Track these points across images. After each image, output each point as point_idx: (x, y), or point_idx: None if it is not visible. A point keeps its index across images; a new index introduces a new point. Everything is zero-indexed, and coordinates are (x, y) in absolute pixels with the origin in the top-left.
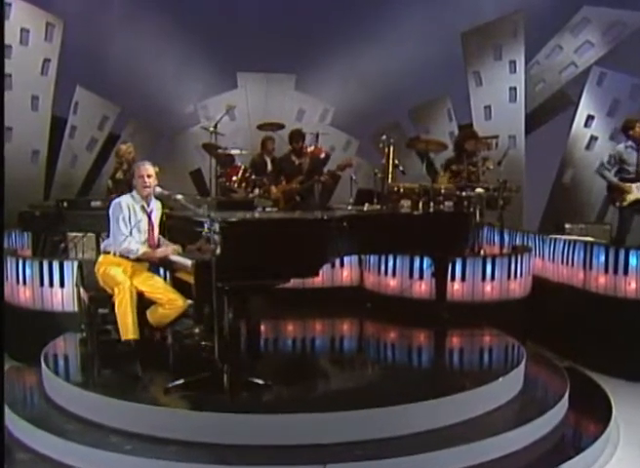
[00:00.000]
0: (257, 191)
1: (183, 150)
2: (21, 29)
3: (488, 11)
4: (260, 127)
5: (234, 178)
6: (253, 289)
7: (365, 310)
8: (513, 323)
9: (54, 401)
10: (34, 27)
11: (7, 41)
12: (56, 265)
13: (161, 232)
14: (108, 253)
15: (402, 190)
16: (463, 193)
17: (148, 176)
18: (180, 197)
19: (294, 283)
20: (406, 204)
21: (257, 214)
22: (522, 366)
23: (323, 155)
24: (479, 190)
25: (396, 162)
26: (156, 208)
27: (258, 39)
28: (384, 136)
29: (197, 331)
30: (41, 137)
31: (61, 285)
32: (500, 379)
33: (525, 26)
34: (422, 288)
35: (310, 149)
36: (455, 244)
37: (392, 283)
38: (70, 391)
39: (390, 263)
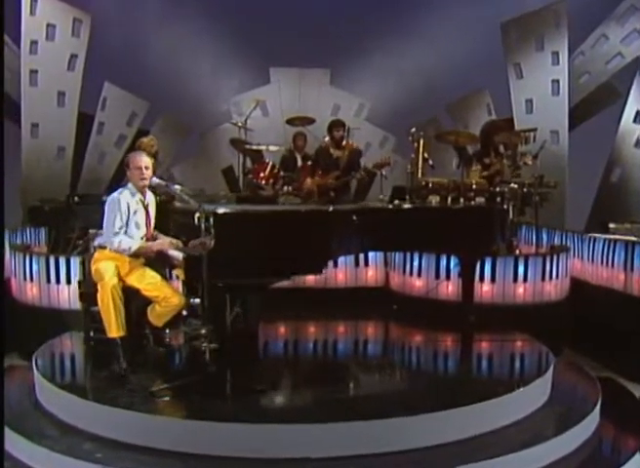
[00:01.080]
0: (285, 188)
1: (215, 147)
2: (47, 25)
3: (529, 0)
4: (290, 121)
5: (261, 175)
6: (248, 286)
7: (389, 312)
8: (548, 328)
9: (40, 404)
10: (61, 23)
11: (33, 37)
12: (62, 261)
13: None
14: (104, 248)
15: (431, 185)
16: (497, 189)
17: (146, 168)
18: (177, 187)
19: (316, 282)
20: (434, 200)
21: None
22: (548, 375)
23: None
24: (513, 185)
25: (426, 156)
26: (152, 201)
27: (291, 34)
28: (414, 129)
29: (204, 331)
30: (67, 134)
31: (68, 282)
32: (521, 389)
33: (568, 15)
34: (449, 289)
35: (343, 144)
36: (480, 241)
37: (418, 283)
38: (52, 393)
39: (416, 263)
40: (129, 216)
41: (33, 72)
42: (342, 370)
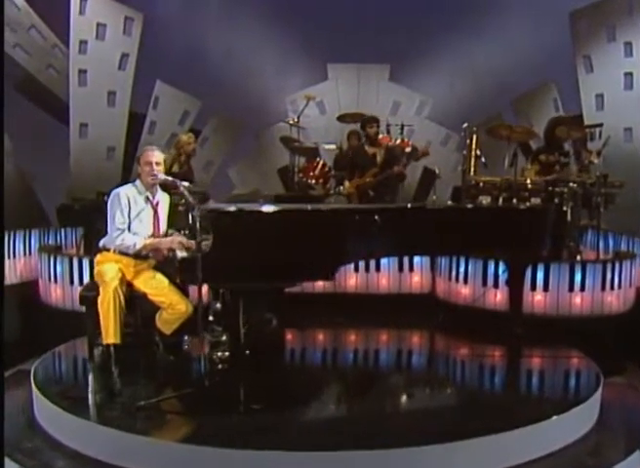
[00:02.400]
0: (340, 188)
1: (271, 146)
2: (98, 24)
3: None
4: (341, 118)
5: (311, 174)
6: (250, 291)
7: (434, 321)
8: (608, 343)
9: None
10: (111, 22)
11: (82, 36)
12: (86, 263)
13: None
14: (108, 250)
15: (482, 185)
16: (556, 189)
17: (157, 164)
18: (185, 184)
19: (358, 287)
20: (485, 200)
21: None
22: (595, 399)
23: (409, 149)
24: (572, 185)
25: (478, 153)
26: (163, 199)
27: (349, 29)
28: (466, 124)
29: (224, 338)
30: (117, 134)
31: None
32: (554, 418)
33: None
34: (497, 297)
35: (397, 142)
36: (529, 246)
37: (464, 291)
38: (40, 403)
39: (462, 269)
40: (130, 212)
41: (82, 72)
42: (380, 384)
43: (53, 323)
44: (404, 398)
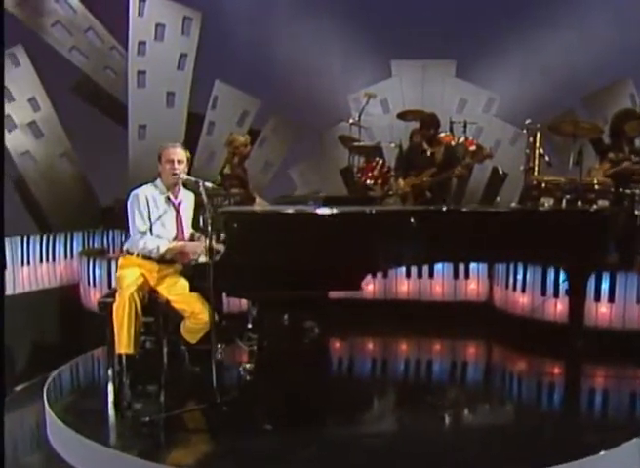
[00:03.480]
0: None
1: (334, 146)
2: (156, 25)
3: None
4: (402, 116)
5: (369, 174)
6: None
7: (490, 332)
8: None
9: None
10: (170, 22)
11: (141, 37)
12: None
13: (195, 227)
14: (131, 253)
15: (544, 185)
16: (627, 190)
17: (179, 162)
18: (208, 185)
19: (410, 294)
20: (548, 202)
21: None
22: None
23: (473, 148)
24: None
25: (541, 151)
26: (187, 199)
27: (414, 24)
28: (529, 121)
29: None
30: (176, 135)
31: None
32: (602, 453)
33: None
34: (557, 308)
35: (461, 140)
36: (591, 252)
37: (522, 300)
38: (49, 417)
39: (519, 276)
40: (150, 214)
41: (141, 73)
42: (430, 399)
43: (91, 327)
44: (455, 416)
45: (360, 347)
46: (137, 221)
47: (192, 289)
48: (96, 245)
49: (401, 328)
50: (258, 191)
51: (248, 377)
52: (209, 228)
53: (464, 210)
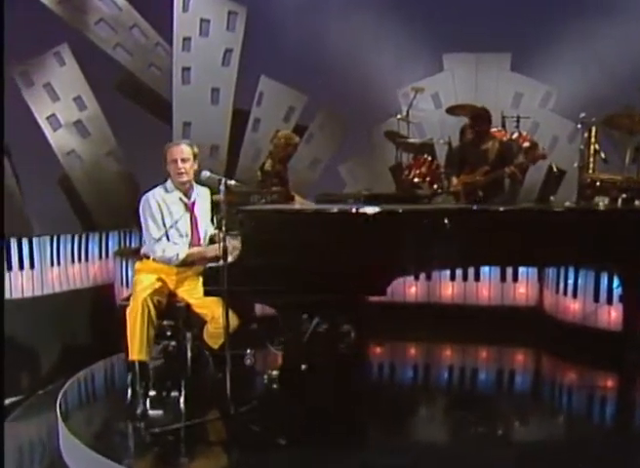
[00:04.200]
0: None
1: (383, 142)
2: (201, 20)
3: None
4: (451, 111)
5: (416, 172)
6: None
7: (539, 339)
8: None
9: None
10: (215, 17)
11: (186, 33)
12: None
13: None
14: (148, 257)
15: (598, 183)
16: None
17: (183, 161)
18: (231, 182)
19: (454, 297)
20: (602, 202)
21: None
22: None
23: (527, 144)
24: None
25: (597, 147)
26: (201, 197)
27: (466, 16)
28: (583, 114)
29: None
30: (221, 132)
31: None
32: None
33: None
34: (612, 315)
35: (514, 136)
36: None
37: (573, 306)
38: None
39: (570, 281)
40: (164, 219)
41: (186, 70)
42: (475, 409)
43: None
44: (501, 428)
45: (401, 353)
46: (151, 228)
47: (205, 293)
48: (133, 244)
49: (445, 333)
50: (304, 189)
51: (274, 386)
52: (222, 228)
53: (503, 209)
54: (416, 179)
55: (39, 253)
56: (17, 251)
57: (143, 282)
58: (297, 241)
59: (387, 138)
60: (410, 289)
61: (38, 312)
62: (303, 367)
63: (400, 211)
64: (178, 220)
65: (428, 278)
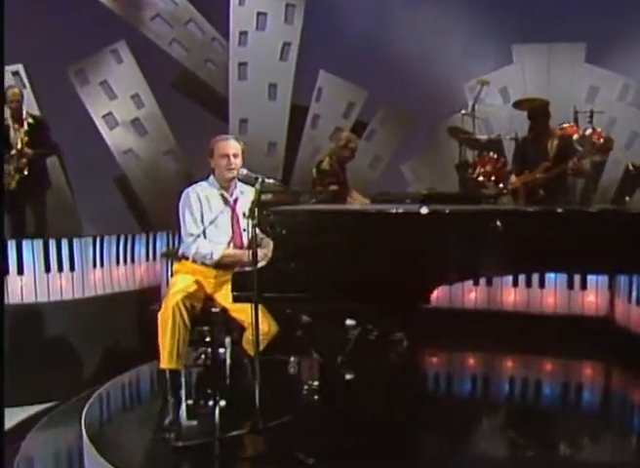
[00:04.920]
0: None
1: (449, 139)
2: (258, 13)
3: None
4: (517, 105)
5: (481, 170)
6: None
7: (609, 352)
8: None
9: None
10: (272, 10)
11: (242, 28)
12: None
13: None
14: (187, 258)
15: None
16: None
17: (234, 156)
18: (270, 181)
19: (516, 304)
20: None
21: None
22: None
23: (601, 141)
24: None
25: None
26: (244, 195)
27: (538, 3)
28: None
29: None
30: (279, 128)
31: None
32: None
33: None
34: None
35: (588, 132)
36: None
37: None
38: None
39: None
40: (203, 215)
41: (242, 65)
42: (538, 426)
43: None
44: (565, 449)
45: (458, 364)
46: (188, 224)
47: (234, 299)
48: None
49: (506, 342)
50: (364, 188)
51: (315, 397)
52: (250, 229)
53: (562, 210)
54: (480, 178)
55: (80, 254)
56: (55, 252)
57: (178, 284)
58: (331, 244)
59: (450, 135)
60: (469, 294)
61: (78, 315)
62: (349, 377)
63: (446, 211)
64: (216, 216)
65: (489, 283)
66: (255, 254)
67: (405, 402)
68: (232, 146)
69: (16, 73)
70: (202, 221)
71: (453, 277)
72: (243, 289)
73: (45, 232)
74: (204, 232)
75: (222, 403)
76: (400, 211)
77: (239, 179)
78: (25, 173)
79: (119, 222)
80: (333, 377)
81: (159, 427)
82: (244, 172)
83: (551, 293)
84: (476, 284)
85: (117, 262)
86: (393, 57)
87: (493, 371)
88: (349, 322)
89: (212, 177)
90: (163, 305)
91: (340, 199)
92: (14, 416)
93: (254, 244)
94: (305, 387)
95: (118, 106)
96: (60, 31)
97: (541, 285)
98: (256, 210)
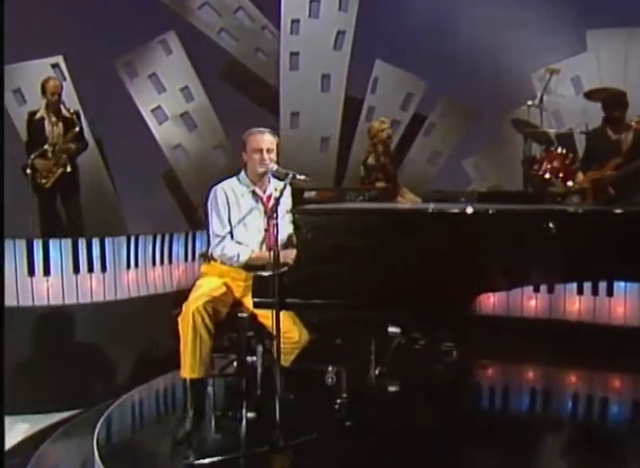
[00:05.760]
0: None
1: (514, 134)
2: (310, 0)
3: None
4: (588, 96)
5: (547, 167)
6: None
7: None
8: None
9: None
10: None
11: (294, 15)
12: None
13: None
14: (215, 260)
15: None
16: None
17: (268, 151)
18: (302, 177)
19: (581, 314)
20: None
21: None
22: None
23: None
24: None
25: None
26: (280, 192)
27: None
28: None
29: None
30: (332, 122)
31: None
32: None
33: None
34: None
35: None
36: None
37: None
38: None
39: None
40: (231, 214)
41: (294, 54)
42: (606, 449)
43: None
44: None
45: (514, 377)
46: (214, 224)
47: (254, 305)
48: None
49: (569, 355)
50: (422, 185)
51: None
52: (272, 229)
53: (624, 211)
54: (547, 175)
55: (112, 254)
56: (85, 252)
57: (202, 287)
58: (360, 246)
59: (515, 128)
60: (529, 302)
61: (109, 317)
62: (393, 389)
63: (490, 211)
64: (245, 215)
65: (550, 291)
66: (276, 257)
67: (452, 419)
68: (266, 140)
69: (55, 65)
70: (229, 222)
71: (497, 284)
72: (264, 294)
73: (80, 232)
74: (231, 233)
75: (251, 415)
76: (436, 210)
77: (272, 175)
78: (68, 169)
79: (167, 221)
80: (364, 391)
81: (174, 441)
82: (274, 167)
83: (621, 303)
84: (536, 291)
85: (153, 263)
86: (455, 44)
87: (554, 387)
88: (393, 329)
89: (243, 173)
90: (183, 310)
91: (388, 197)
92: (36, 424)
93: (275, 245)
94: (338, 401)
95: (167, 99)
96: (104, 22)
97: (609, 293)
98: (278, 208)
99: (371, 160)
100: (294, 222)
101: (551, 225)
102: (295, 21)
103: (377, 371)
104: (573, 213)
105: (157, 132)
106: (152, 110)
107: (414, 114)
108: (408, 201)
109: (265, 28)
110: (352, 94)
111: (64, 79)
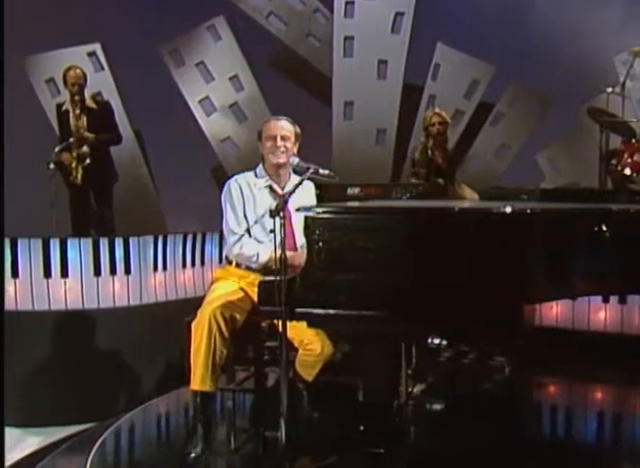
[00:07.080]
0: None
1: (593, 124)
2: None
3: None
4: None
5: (628, 161)
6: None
7: None
8: None
9: None
10: None
11: None
12: None
13: None
14: (230, 262)
15: None
16: None
17: (282, 138)
18: (324, 172)
19: (611, 323)
20: None
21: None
22: None
23: None
24: None
25: None
26: (302, 188)
27: None
28: None
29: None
30: (389, 112)
31: None
32: None
33: None
34: None
35: None
36: None
37: None
38: None
39: None
40: (246, 210)
41: (348, 39)
42: None
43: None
44: None
45: (578, 397)
46: (230, 221)
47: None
48: None
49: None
50: (489, 181)
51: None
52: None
53: None
54: (627, 171)
55: (137, 255)
56: (108, 253)
57: (217, 290)
58: (375, 250)
59: (591, 118)
60: (597, 313)
61: (133, 323)
62: (437, 407)
63: (530, 211)
64: (265, 212)
65: (622, 301)
66: (283, 261)
67: (503, 442)
68: (281, 127)
69: (92, 54)
70: (245, 218)
71: (542, 294)
72: (270, 302)
73: (112, 231)
74: (248, 230)
75: (269, 434)
76: (464, 210)
77: (293, 170)
78: (88, 161)
79: (205, 220)
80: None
81: (182, 462)
82: (295, 160)
83: None
84: (605, 301)
85: (183, 265)
86: (527, 24)
87: (626, 411)
88: (438, 341)
89: (260, 166)
90: (198, 315)
91: (439, 193)
92: (48, 437)
93: (283, 246)
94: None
95: (215, 89)
96: (147, 6)
97: None
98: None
99: (417, 154)
100: (304, 223)
101: (604, 228)
102: (349, 3)
103: (416, 388)
104: (632, 213)
105: (205, 124)
106: (200, 101)
107: (479, 103)
108: (464, 199)
109: (318, 11)
110: (411, 81)
111: (102, 68)
